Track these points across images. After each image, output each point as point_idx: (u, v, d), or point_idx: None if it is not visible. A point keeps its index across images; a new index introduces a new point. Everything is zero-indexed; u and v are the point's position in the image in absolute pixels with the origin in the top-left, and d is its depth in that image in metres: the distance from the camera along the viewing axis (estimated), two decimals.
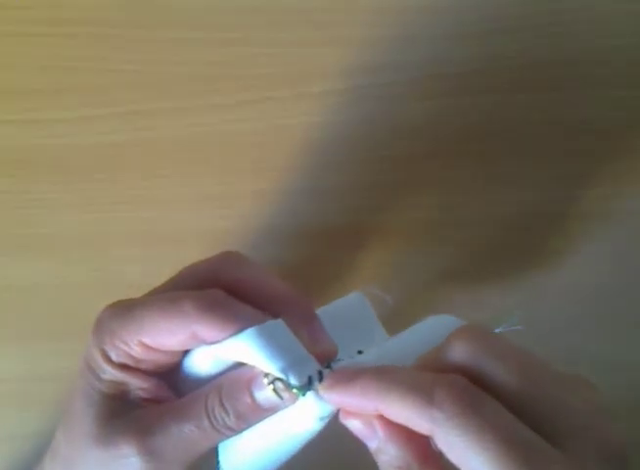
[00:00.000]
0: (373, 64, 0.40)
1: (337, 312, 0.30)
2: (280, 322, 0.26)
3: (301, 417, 0.26)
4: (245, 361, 0.26)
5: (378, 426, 0.24)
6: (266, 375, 0.25)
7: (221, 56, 0.40)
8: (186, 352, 0.28)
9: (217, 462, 0.29)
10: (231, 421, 0.26)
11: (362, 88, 0.40)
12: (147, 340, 0.26)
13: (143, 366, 0.27)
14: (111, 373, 0.27)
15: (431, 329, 0.29)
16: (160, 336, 0.26)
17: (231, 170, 0.40)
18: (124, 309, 0.27)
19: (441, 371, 0.23)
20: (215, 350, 0.26)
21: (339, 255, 0.39)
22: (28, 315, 0.39)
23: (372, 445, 0.24)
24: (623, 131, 0.40)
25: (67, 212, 0.39)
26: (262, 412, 0.26)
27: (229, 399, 0.26)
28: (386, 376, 0.23)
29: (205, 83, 0.40)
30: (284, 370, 0.25)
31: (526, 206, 0.40)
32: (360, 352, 0.28)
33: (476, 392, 0.22)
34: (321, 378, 0.25)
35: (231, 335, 0.25)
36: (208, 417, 0.26)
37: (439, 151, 0.40)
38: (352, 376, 0.24)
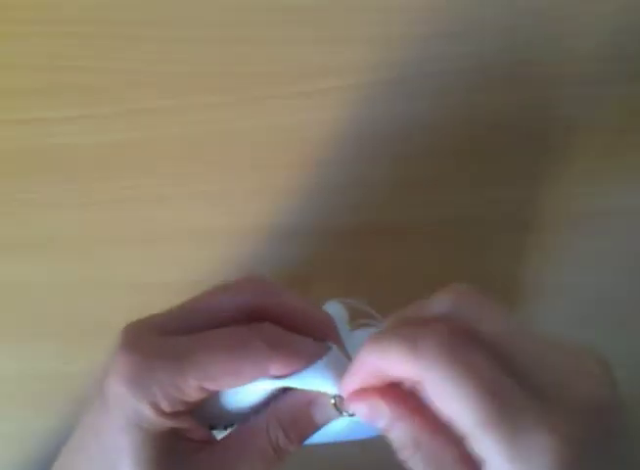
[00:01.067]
0: (373, 62, 0.40)
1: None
2: (335, 349, 0.27)
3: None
4: (308, 388, 0.26)
5: (383, 406, 0.24)
6: (334, 398, 0.26)
7: (220, 54, 0.40)
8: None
9: None
10: (293, 447, 0.26)
11: (362, 86, 0.40)
12: (210, 385, 0.24)
13: (191, 407, 0.25)
14: (163, 424, 0.24)
15: None
16: (228, 379, 0.24)
17: (231, 169, 0.40)
18: (170, 353, 0.24)
19: (428, 322, 0.23)
20: (282, 384, 0.26)
21: (338, 253, 0.39)
22: (26, 315, 0.39)
23: (381, 424, 0.24)
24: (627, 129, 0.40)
25: (65, 211, 0.39)
26: (316, 430, 0.26)
27: (293, 428, 0.26)
28: (376, 338, 0.23)
29: (204, 82, 0.40)
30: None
31: (528, 203, 0.40)
32: None
33: (459, 338, 0.22)
34: None
35: (300, 369, 0.25)
36: (274, 449, 0.25)
37: (443, 148, 0.40)
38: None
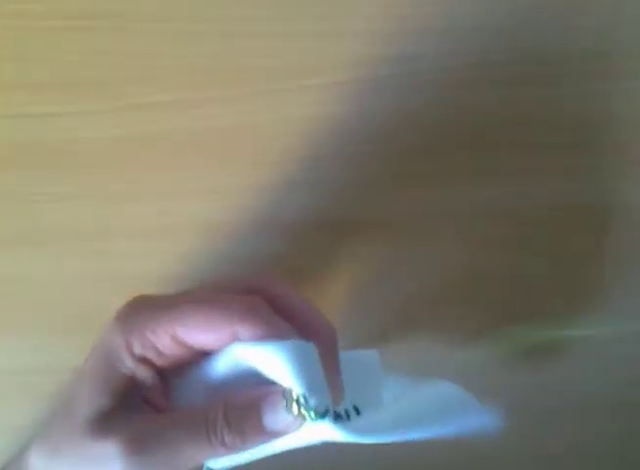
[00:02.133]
0: (375, 56, 0.40)
1: (348, 361, 0.29)
2: (313, 346, 0.26)
3: (304, 435, 0.26)
4: (269, 372, 0.26)
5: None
6: (284, 393, 0.25)
7: (221, 48, 0.40)
8: (200, 362, 0.28)
9: None
10: (230, 438, 0.25)
11: (364, 81, 0.40)
12: (183, 333, 0.26)
13: (160, 362, 0.27)
14: (128, 366, 0.26)
15: (436, 399, 0.29)
16: (199, 330, 0.26)
17: (232, 163, 0.40)
18: (158, 301, 0.27)
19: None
20: (247, 351, 0.26)
21: (339, 248, 0.39)
22: (27, 309, 0.39)
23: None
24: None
25: (66, 206, 0.39)
26: (266, 436, 0.26)
27: (234, 415, 0.26)
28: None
29: (205, 76, 0.40)
30: (307, 391, 0.25)
31: (531, 199, 0.39)
32: (356, 408, 0.28)
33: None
34: (327, 416, 0.25)
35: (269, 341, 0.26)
36: (207, 430, 0.25)
37: (442, 143, 0.40)
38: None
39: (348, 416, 0.28)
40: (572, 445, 0.39)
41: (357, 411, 0.28)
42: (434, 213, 0.39)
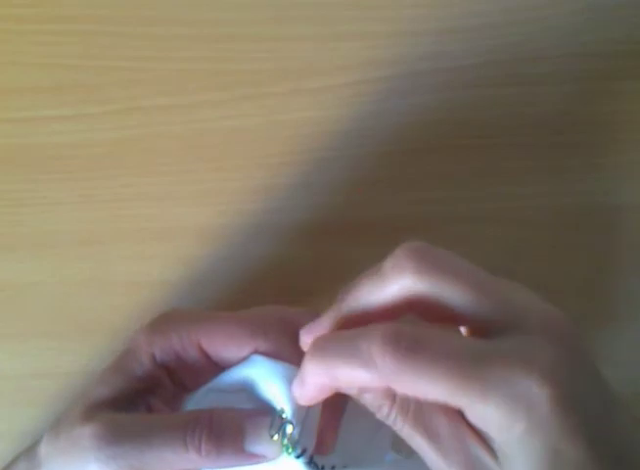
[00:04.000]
0: (371, 59, 0.40)
1: (359, 421, 0.28)
2: None
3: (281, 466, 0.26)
4: (269, 389, 0.26)
5: None
6: (272, 414, 0.25)
7: (218, 52, 0.40)
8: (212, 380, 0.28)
9: None
10: (206, 446, 0.25)
11: (360, 84, 0.40)
12: (206, 343, 0.27)
13: (177, 369, 0.28)
14: (144, 364, 0.27)
15: None
16: (221, 343, 0.27)
17: (228, 166, 0.40)
18: (194, 312, 0.28)
19: (386, 309, 0.23)
20: (259, 361, 0.26)
21: (337, 251, 0.39)
22: (26, 313, 0.39)
23: (352, 392, 0.24)
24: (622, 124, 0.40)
25: (64, 210, 0.39)
26: (242, 455, 0.25)
27: (218, 423, 0.26)
28: (321, 353, 0.23)
29: (200, 79, 0.40)
30: (295, 421, 0.25)
31: (528, 200, 0.40)
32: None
33: (406, 339, 0.21)
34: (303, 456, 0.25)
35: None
36: (185, 432, 0.25)
37: (439, 145, 0.40)
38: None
39: None
40: None
41: None
42: (430, 215, 0.39)
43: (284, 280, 0.38)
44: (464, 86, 0.40)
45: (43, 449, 0.27)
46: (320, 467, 0.26)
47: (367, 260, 0.38)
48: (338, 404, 0.27)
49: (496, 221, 0.39)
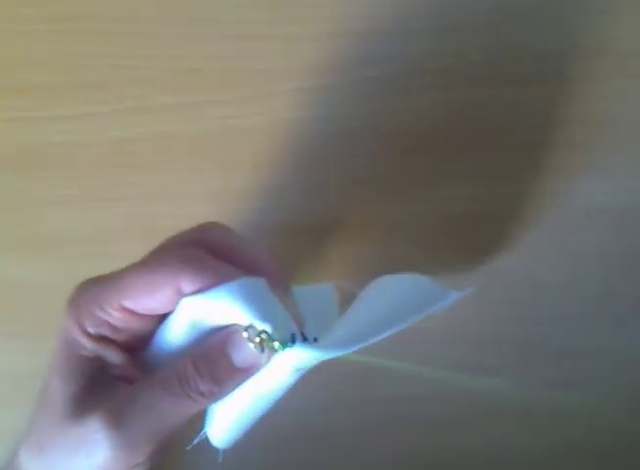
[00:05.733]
0: (358, 58, 0.41)
1: (305, 296, 0.30)
2: (263, 281, 0.27)
3: (278, 370, 0.26)
4: (225, 317, 0.26)
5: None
6: (247, 330, 0.25)
7: (220, 51, 0.41)
8: (158, 328, 0.28)
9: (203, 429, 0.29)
10: (205, 385, 0.25)
11: (349, 83, 0.40)
12: (129, 302, 0.26)
13: (120, 337, 0.27)
14: (87, 347, 0.26)
15: (398, 292, 0.29)
16: (143, 295, 0.26)
17: (231, 166, 0.40)
18: (101, 278, 0.27)
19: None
20: (196, 303, 0.26)
21: (325, 251, 0.39)
22: (28, 312, 0.39)
23: None
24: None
25: (67, 209, 0.40)
26: (238, 374, 0.26)
27: (203, 362, 0.26)
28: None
29: (205, 78, 0.41)
30: (268, 323, 0.25)
31: (510, 198, 0.40)
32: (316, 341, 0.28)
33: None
34: (296, 340, 0.26)
35: (209, 285, 0.25)
36: (180, 381, 0.25)
37: (425, 146, 0.40)
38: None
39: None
40: None
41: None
42: (415, 215, 0.40)
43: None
44: (445, 87, 0.40)
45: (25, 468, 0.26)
46: (313, 340, 0.27)
47: (356, 260, 0.39)
48: (283, 287, 0.28)
49: (481, 221, 0.39)
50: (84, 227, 0.39)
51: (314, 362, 0.26)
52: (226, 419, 0.28)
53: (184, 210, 0.40)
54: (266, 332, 0.25)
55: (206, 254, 0.27)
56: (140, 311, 0.26)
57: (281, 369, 0.26)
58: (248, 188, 0.40)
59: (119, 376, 0.27)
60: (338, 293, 0.32)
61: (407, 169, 0.40)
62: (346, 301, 0.31)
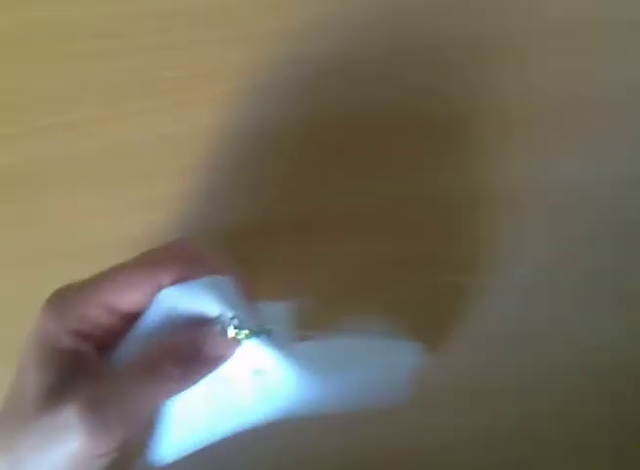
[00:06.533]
0: (277, 58, 0.41)
1: (265, 311, 0.31)
2: (232, 279, 0.28)
3: (240, 369, 0.28)
4: (197, 307, 0.27)
5: None
6: (217, 320, 0.27)
7: (127, 64, 0.41)
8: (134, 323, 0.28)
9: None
10: (176, 370, 0.26)
11: (268, 85, 0.41)
12: (111, 299, 0.27)
13: (98, 334, 0.27)
14: (64, 341, 0.26)
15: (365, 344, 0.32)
16: (125, 291, 0.27)
17: (146, 177, 0.40)
18: (88, 278, 0.28)
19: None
20: (172, 294, 0.27)
21: (249, 253, 0.39)
22: None
23: None
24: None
25: None
26: (207, 362, 0.27)
27: (173, 348, 0.27)
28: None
29: (115, 92, 0.41)
30: (237, 314, 0.27)
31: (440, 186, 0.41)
32: None
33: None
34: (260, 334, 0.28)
35: (186, 277, 0.27)
36: (152, 365, 0.26)
37: (323, 146, 0.41)
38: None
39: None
40: None
41: None
42: (344, 213, 0.40)
43: None
44: (370, 81, 0.41)
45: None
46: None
47: (283, 259, 0.39)
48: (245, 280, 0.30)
49: (415, 210, 0.40)
50: (7, 249, 0.39)
51: (273, 364, 0.28)
52: (181, 429, 0.29)
53: (107, 223, 0.39)
54: (235, 320, 0.27)
55: (182, 255, 0.28)
56: (121, 308, 0.27)
57: (242, 368, 0.28)
58: (168, 198, 0.40)
59: (95, 372, 0.27)
60: (298, 310, 0.32)
61: (332, 167, 0.40)
62: (308, 319, 0.31)
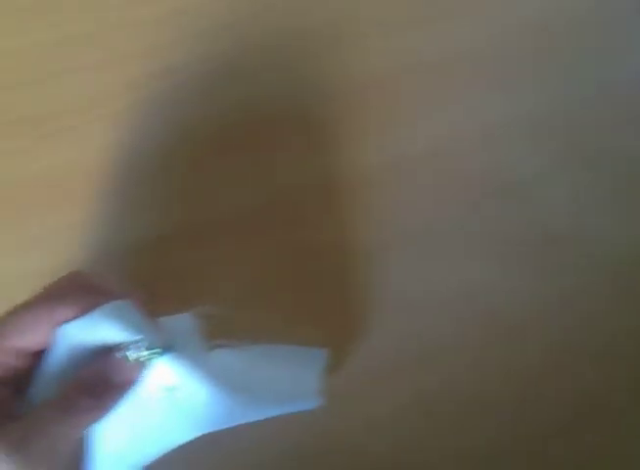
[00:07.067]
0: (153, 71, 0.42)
1: (166, 326, 0.31)
2: (130, 302, 0.28)
3: (151, 390, 0.28)
4: (100, 337, 0.27)
5: None
6: (120, 346, 0.27)
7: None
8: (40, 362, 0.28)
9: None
10: (85, 401, 0.27)
11: (156, 96, 0.41)
12: (10, 343, 0.27)
13: (11, 375, 0.27)
14: None
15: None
16: (24, 333, 0.27)
17: (37, 210, 0.39)
18: None
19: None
20: (71, 329, 0.27)
21: (150, 268, 0.39)
22: None
23: None
24: None
25: None
26: (116, 389, 0.27)
27: (82, 381, 0.27)
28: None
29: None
30: (141, 337, 0.27)
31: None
32: None
33: None
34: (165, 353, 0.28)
35: (83, 311, 0.27)
36: (63, 402, 0.26)
37: (226, 147, 0.41)
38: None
39: None
40: None
41: None
42: (250, 216, 0.40)
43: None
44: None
45: None
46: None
47: (205, 262, 0.39)
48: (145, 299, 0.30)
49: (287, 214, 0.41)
50: None
51: (182, 379, 0.28)
52: (107, 456, 0.29)
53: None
54: (139, 342, 0.27)
55: (78, 287, 0.28)
56: (27, 348, 0.27)
57: (155, 388, 0.28)
58: (62, 229, 0.39)
59: (14, 414, 0.27)
60: (199, 319, 0.32)
61: (215, 172, 0.41)
62: (210, 326, 0.31)
